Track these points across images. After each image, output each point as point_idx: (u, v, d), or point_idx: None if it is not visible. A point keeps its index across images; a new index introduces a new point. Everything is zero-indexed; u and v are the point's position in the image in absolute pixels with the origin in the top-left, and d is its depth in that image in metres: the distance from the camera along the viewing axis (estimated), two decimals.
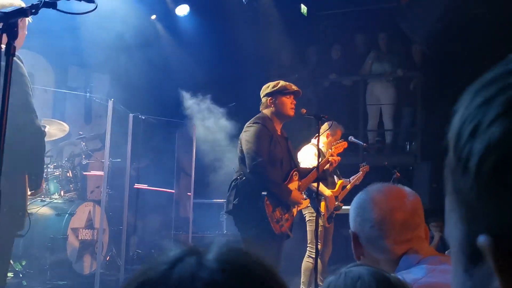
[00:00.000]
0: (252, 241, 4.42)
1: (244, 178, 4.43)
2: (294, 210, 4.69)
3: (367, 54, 9.71)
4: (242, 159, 4.51)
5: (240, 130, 7.17)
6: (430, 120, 9.41)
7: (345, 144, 5.69)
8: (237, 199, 4.41)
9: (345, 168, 6.60)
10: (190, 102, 7.11)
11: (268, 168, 4.40)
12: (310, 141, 6.34)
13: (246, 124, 4.62)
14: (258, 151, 4.38)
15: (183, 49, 8.21)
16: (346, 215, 6.56)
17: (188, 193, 8.18)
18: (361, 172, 6.64)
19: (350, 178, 6.49)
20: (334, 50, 9.94)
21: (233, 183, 4.51)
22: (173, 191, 8.30)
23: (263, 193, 4.37)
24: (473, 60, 9.41)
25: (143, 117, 6.90)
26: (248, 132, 4.50)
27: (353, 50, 10.08)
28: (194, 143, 7.26)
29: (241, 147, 4.54)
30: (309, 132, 8.77)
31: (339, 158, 5.34)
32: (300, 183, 4.74)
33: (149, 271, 0.66)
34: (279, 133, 4.66)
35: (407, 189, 1.79)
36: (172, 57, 8.02)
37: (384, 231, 1.67)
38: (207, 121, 7.18)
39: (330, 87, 9.96)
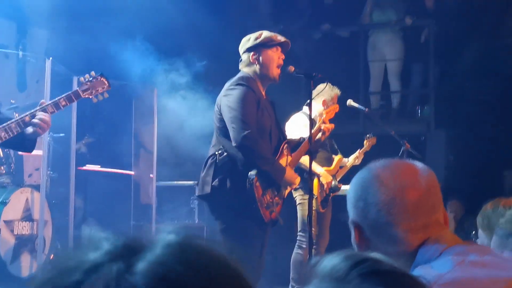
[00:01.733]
0: (234, 232, 4.40)
1: (225, 153, 4.38)
2: (285, 192, 4.68)
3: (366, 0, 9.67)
4: (221, 130, 4.45)
5: (213, 94, 7.14)
6: (445, 79, 9.44)
7: (336, 108, 5.65)
8: (216, 180, 4.36)
9: (343, 139, 6.59)
10: (149, 60, 7.01)
11: (259, 142, 4.35)
12: (300, 109, 6.31)
13: (226, 85, 4.54)
14: (245, 120, 4.32)
15: None
16: (342, 198, 6.57)
17: (150, 175, 8.12)
18: (365, 146, 6.63)
19: (349, 158, 6.48)
20: None
21: (209, 160, 4.45)
22: (132, 172, 8.24)
23: (251, 172, 4.32)
24: (497, 4, 9.42)
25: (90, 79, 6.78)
26: (231, 97, 4.41)
27: None
28: (155, 113, 7.18)
29: (220, 114, 4.46)
30: (298, 97, 8.78)
31: (332, 125, 5.29)
32: (290, 159, 4.71)
33: (56, 278, 0.60)
34: (264, 97, 4.60)
35: (418, 163, 1.76)
36: (126, 7, 7.88)
37: (394, 215, 1.63)
38: (172, 84, 7.09)
39: (322, 40, 9.89)
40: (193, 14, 8.31)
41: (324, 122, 5.18)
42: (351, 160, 6.48)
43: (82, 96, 4.32)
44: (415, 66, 9.62)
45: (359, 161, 6.52)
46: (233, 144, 4.32)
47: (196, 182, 7.74)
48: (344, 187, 6.84)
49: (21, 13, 7.58)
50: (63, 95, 4.23)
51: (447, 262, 1.54)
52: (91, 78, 4.39)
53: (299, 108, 6.34)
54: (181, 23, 8.02)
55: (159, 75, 7.10)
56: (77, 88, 4.35)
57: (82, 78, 4.40)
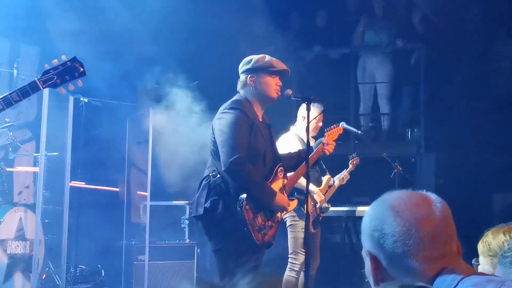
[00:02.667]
0: (227, 253, 4.43)
1: (218, 175, 4.40)
2: (279, 215, 4.67)
3: (359, 21, 9.78)
4: (215, 152, 4.47)
5: (206, 114, 7.20)
6: (435, 102, 9.55)
7: (340, 130, 5.68)
8: (209, 202, 4.38)
9: (333, 160, 6.65)
10: (144, 81, 7.06)
11: (248, 166, 4.35)
12: (288, 129, 6.38)
13: (221, 108, 4.55)
14: (235, 145, 4.33)
15: (135, 16, 8.12)
16: (334, 218, 6.62)
17: (139, 192, 8.14)
18: (350, 166, 6.71)
19: (335, 178, 6.54)
20: (319, 16, 9.97)
21: (203, 182, 4.47)
22: (118, 189, 8.27)
23: (241, 195, 4.35)
24: (487, 29, 9.58)
25: (86, 100, 6.83)
26: (223, 120, 4.44)
27: (342, 16, 10.12)
28: (150, 133, 7.22)
29: (213, 137, 4.49)
30: (289, 118, 8.84)
31: (334, 144, 5.35)
32: (285, 182, 4.74)
33: None
34: (260, 120, 4.63)
35: (432, 194, 1.78)
36: (121, 25, 7.93)
37: (410, 246, 1.66)
38: (166, 105, 7.14)
39: (314, 61, 9.98)
40: (186, 35, 8.39)
41: (325, 144, 5.22)
42: (338, 180, 6.53)
43: (41, 87, 3.82)
44: (405, 88, 9.71)
45: (345, 181, 6.59)
46: (222, 168, 4.34)
47: (187, 202, 7.81)
48: (333, 208, 6.93)
49: (13, 31, 7.59)
50: (17, 89, 3.78)
51: None
52: (59, 65, 3.88)
53: (286, 129, 6.41)
54: (174, 43, 8.08)
55: (154, 95, 7.14)
56: (36, 79, 3.83)
57: (47, 65, 3.89)
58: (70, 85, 3.91)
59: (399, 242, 1.68)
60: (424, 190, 1.82)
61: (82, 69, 3.90)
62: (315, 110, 6.01)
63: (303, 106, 6.14)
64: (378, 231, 1.72)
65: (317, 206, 6.09)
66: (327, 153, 5.23)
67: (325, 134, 5.42)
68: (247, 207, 4.36)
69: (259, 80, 4.58)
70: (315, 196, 6.05)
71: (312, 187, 5.99)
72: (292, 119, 7.32)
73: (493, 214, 9.43)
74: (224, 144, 4.35)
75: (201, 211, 4.41)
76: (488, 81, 9.70)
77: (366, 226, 1.78)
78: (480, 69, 9.75)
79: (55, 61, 3.87)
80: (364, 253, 1.78)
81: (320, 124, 6.14)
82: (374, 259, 1.74)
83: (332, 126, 5.60)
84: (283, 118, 8.44)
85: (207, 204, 4.38)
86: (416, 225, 1.68)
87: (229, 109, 4.47)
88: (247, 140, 4.41)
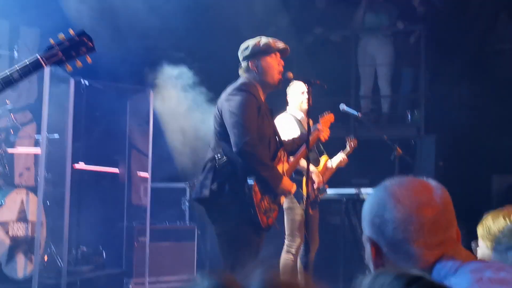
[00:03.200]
0: (231, 236, 4.44)
1: (224, 158, 4.41)
2: (282, 198, 4.72)
3: (360, 3, 9.76)
4: (221, 134, 4.47)
5: (207, 95, 7.20)
6: (436, 84, 9.56)
7: (332, 117, 5.73)
8: (215, 184, 4.38)
9: (334, 143, 6.67)
10: (145, 63, 7.06)
11: (259, 148, 4.38)
12: (285, 110, 6.39)
13: (228, 90, 4.53)
14: (247, 126, 4.33)
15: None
16: (331, 201, 6.63)
17: (141, 174, 8.16)
18: (348, 148, 6.72)
19: (332, 159, 6.54)
20: None
21: (208, 164, 4.46)
22: (117, 171, 8.30)
23: (250, 178, 4.37)
24: (488, 10, 9.56)
25: (87, 83, 6.83)
26: (233, 102, 4.41)
27: None
28: (151, 114, 7.24)
29: (220, 119, 4.47)
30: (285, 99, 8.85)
31: (329, 131, 5.39)
32: (287, 166, 4.77)
33: None
34: (265, 104, 4.64)
35: (432, 181, 1.80)
36: (121, 7, 7.91)
37: (411, 232, 1.69)
38: (167, 87, 7.14)
39: (314, 43, 9.98)
40: (186, 16, 8.37)
41: (320, 130, 5.26)
42: (336, 162, 6.53)
43: (44, 65, 3.38)
44: (405, 70, 9.70)
45: (343, 164, 6.58)
46: (234, 149, 4.33)
47: (188, 183, 7.84)
48: (334, 191, 6.95)
49: (13, 12, 7.56)
50: (17, 67, 3.34)
51: (465, 279, 1.59)
52: (65, 40, 3.45)
53: (282, 109, 6.42)
54: (175, 25, 8.07)
55: (155, 77, 7.14)
56: (37, 55, 3.39)
57: (52, 40, 3.45)
58: (78, 61, 3.50)
59: (399, 228, 1.71)
60: (424, 176, 1.84)
61: (91, 44, 3.49)
62: (300, 87, 6.09)
63: (292, 86, 6.15)
64: (378, 217, 1.75)
65: (315, 187, 6.10)
66: (323, 139, 5.28)
67: (319, 120, 5.45)
68: (256, 189, 4.39)
69: (260, 64, 4.58)
70: (313, 176, 6.03)
71: (311, 167, 6.01)
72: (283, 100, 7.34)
73: (493, 196, 9.47)
74: (236, 125, 4.34)
75: (206, 193, 4.40)
76: (488, 63, 9.70)
77: (367, 212, 1.80)
78: (481, 51, 9.74)
79: (61, 36, 3.45)
80: (364, 239, 1.81)
81: (325, 112, 6.06)
82: (374, 245, 1.76)
83: (324, 113, 5.64)
84: (275, 99, 8.49)
85: (214, 186, 4.38)
86: (417, 212, 1.71)
87: (239, 90, 4.46)
88: (256, 122, 4.42)
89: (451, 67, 9.43)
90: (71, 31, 3.50)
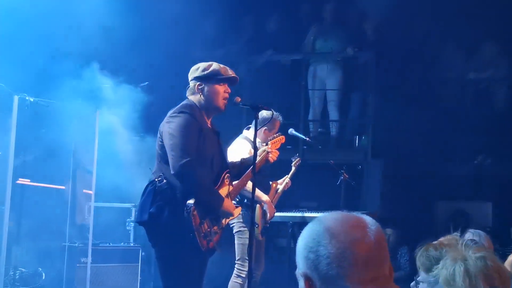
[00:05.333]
0: (171, 260, 4.40)
1: (164, 180, 4.36)
2: (223, 222, 4.66)
3: (310, 29, 9.84)
4: (162, 157, 4.43)
5: (156, 117, 7.13)
6: (384, 110, 9.67)
7: (282, 139, 5.75)
8: (154, 207, 4.32)
9: (282, 165, 6.68)
10: (92, 81, 6.97)
11: (198, 170, 4.34)
12: (240, 133, 6.38)
13: (170, 113, 4.51)
14: (185, 148, 4.30)
15: (83, 14, 8.01)
16: (281, 223, 6.63)
17: (85, 191, 8.02)
18: (293, 169, 6.74)
19: (279, 181, 6.56)
20: (271, 21, 9.99)
21: (149, 187, 4.42)
22: (63, 187, 8.15)
23: (189, 201, 4.32)
24: (436, 39, 9.75)
25: (31, 99, 6.71)
26: (172, 124, 4.40)
27: (294, 22, 10.18)
28: (97, 133, 7.14)
29: (161, 141, 4.45)
30: (239, 122, 8.85)
31: (277, 152, 5.39)
32: (231, 188, 4.73)
33: None
34: (209, 126, 4.62)
35: (366, 217, 1.80)
36: (66, 22, 7.81)
37: (344, 268, 1.68)
38: (114, 106, 7.07)
39: (265, 66, 10.01)
40: (136, 35, 8.32)
41: (269, 152, 5.25)
42: (282, 185, 6.53)
43: None
44: (354, 96, 9.80)
45: (287, 187, 6.60)
46: (172, 171, 4.29)
47: (133, 204, 7.74)
48: (281, 214, 6.97)
49: None
50: None
51: None
52: None
53: (239, 132, 6.41)
54: (125, 45, 8.01)
55: (103, 95, 7.06)
56: None
57: None
58: None
59: (333, 264, 1.69)
60: (360, 213, 1.84)
61: None
62: (275, 123, 6.20)
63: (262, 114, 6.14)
64: (313, 252, 1.73)
65: (267, 218, 6.12)
66: (271, 160, 5.27)
67: (269, 142, 5.47)
68: (195, 212, 4.32)
69: (206, 89, 4.57)
70: (266, 207, 6.07)
71: (264, 197, 6.03)
72: (241, 124, 7.34)
73: (437, 222, 9.61)
74: (174, 147, 4.31)
75: (145, 216, 4.36)
76: (434, 90, 9.88)
77: (301, 247, 1.78)
78: (428, 79, 9.92)
79: None
80: (298, 274, 1.79)
81: (276, 135, 6.06)
82: (308, 280, 1.74)
83: (275, 135, 5.67)
84: (233, 123, 8.48)
85: (152, 209, 4.32)
86: (351, 248, 1.70)
87: (179, 113, 4.44)
88: (196, 144, 4.38)
89: (399, 93, 9.56)
90: None
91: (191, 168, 4.28)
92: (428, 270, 2.70)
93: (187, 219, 4.30)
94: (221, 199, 4.48)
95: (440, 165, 9.50)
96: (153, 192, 4.37)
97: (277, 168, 6.49)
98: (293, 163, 6.75)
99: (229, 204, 4.56)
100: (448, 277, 2.36)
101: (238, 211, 4.78)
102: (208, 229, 4.45)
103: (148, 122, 7.20)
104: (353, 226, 1.74)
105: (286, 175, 6.61)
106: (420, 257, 2.82)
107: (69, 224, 7.61)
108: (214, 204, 4.44)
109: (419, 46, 9.39)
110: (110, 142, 7.41)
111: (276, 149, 5.39)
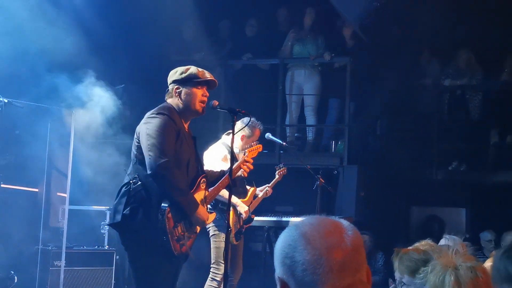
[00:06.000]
0: (143, 263, 4.36)
1: (139, 182, 4.31)
2: (198, 228, 4.63)
3: (288, 34, 9.86)
4: (138, 158, 4.39)
5: (130, 117, 7.10)
6: (360, 116, 9.72)
7: (260, 148, 5.76)
8: (128, 209, 4.27)
9: (259, 170, 6.69)
10: (67, 82, 6.92)
11: (175, 172, 4.31)
12: (219, 138, 6.35)
13: (148, 114, 4.48)
14: (163, 149, 4.27)
15: (59, 15, 7.94)
16: (257, 228, 6.64)
17: (59, 194, 7.94)
18: (277, 177, 6.74)
19: (258, 189, 6.54)
20: (249, 25, 10.00)
21: (123, 189, 4.36)
22: (37, 190, 8.06)
23: (163, 204, 4.28)
24: (413, 46, 9.82)
25: (6, 100, 6.64)
26: (150, 125, 4.36)
27: (272, 27, 10.18)
28: (72, 135, 7.07)
29: (138, 143, 4.41)
30: (216, 126, 8.83)
31: (252, 167, 5.37)
32: (206, 193, 4.70)
33: None
34: (186, 130, 4.59)
35: (344, 222, 1.77)
36: (42, 23, 7.73)
37: (320, 275, 1.65)
38: (90, 107, 7.01)
39: (242, 70, 10.01)
40: (113, 36, 8.27)
41: (246, 161, 5.25)
42: (263, 192, 6.54)
43: None
44: (331, 101, 9.82)
45: (268, 195, 6.60)
46: (148, 172, 4.25)
47: (108, 207, 7.67)
48: (257, 218, 6.94)
49: None
50: None
51: None
52: None
53: (217, 137, 6.38)
54: (101, 45, 7.95)
55: (78, 97, 7.00)
56: None
57: None
58: None
59: (309, 270, 1.66)
60: (337, 217, 1.81)
61: None
62: (255, 131, 6.16)
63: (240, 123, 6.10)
64: (289, 258, 1.70)
65: (242, 218, 6.10)
66: (245, 174, 5.29)
67: (246, 151, 5.45)
68: (169, 215, 4.29)
69: (184, 91, 4.54)
70: (239, 208, 6.05)
71: (234, 199, 5.99)
72: (218, 128, 7.31)
73: (411, 227, 9.67)
74: (151, 148, 4.27)
75: (118, 218, 4.31)
76: (410, 97, 9.94)
77: (278, 252, 1.75)
78: (404, 86, 9.99)
79: None
80: (276, 279, 1.77)
81: (254, 143, 6.02)
82: (284, 285, 1.72)
83: (253, 143, 5.67)
84: (210, 126, 8.46)
85: (126, 211, 4.27)
86: (326, 254, 1.67)
87: (157, 114, 4.41)
88: (173, 146, 4.35)
89: (375, 99, 9.61)
90: None
91: (168, 169, 4.25)
92: (414, 272, 2.70)
93: (161, 222, 4.26)
94: (195, 204, 4.44)
95: (415, 171, 9.55)
96: (127, 194, 4.32)
97: (256, 174, 6.48)
98: (278, 171, 6.73)
99: (202, 211, 4.51)
100: (437, 284, 2.36)
101: (212, 216, 4.75)
102: (182, 233, 4.42)
103: (124, 124, 7.15)
104: (329, 231, 1.72)
105: (267, 184, 6.59)
106: (403, 261, 2.82)
107: (42, 227, 7.52)
108: (188, 208, 4.40)
109: (395, 53, 9.43)
110: (85, 143, 7.33)
111: (253, 158, 5.41)
